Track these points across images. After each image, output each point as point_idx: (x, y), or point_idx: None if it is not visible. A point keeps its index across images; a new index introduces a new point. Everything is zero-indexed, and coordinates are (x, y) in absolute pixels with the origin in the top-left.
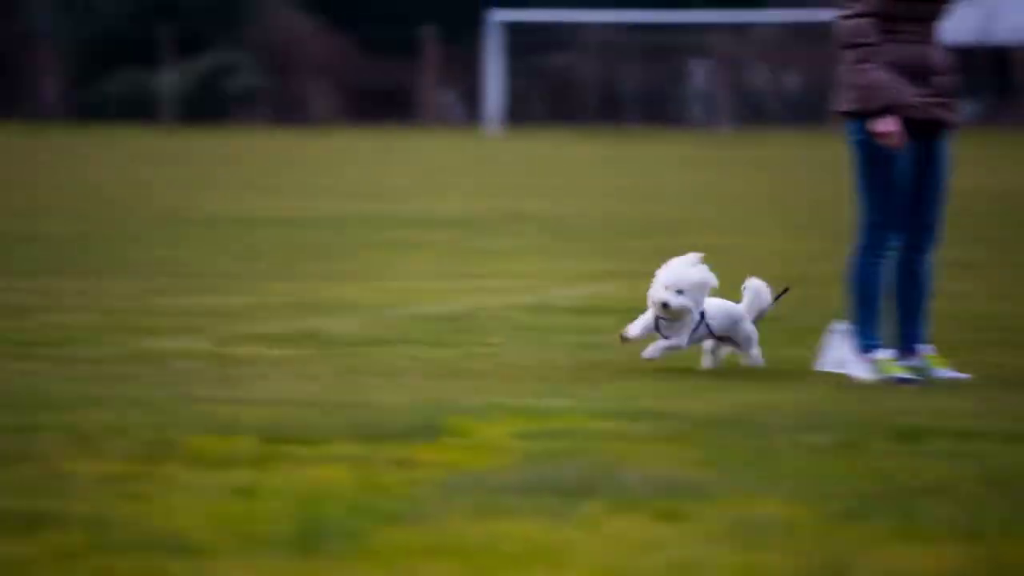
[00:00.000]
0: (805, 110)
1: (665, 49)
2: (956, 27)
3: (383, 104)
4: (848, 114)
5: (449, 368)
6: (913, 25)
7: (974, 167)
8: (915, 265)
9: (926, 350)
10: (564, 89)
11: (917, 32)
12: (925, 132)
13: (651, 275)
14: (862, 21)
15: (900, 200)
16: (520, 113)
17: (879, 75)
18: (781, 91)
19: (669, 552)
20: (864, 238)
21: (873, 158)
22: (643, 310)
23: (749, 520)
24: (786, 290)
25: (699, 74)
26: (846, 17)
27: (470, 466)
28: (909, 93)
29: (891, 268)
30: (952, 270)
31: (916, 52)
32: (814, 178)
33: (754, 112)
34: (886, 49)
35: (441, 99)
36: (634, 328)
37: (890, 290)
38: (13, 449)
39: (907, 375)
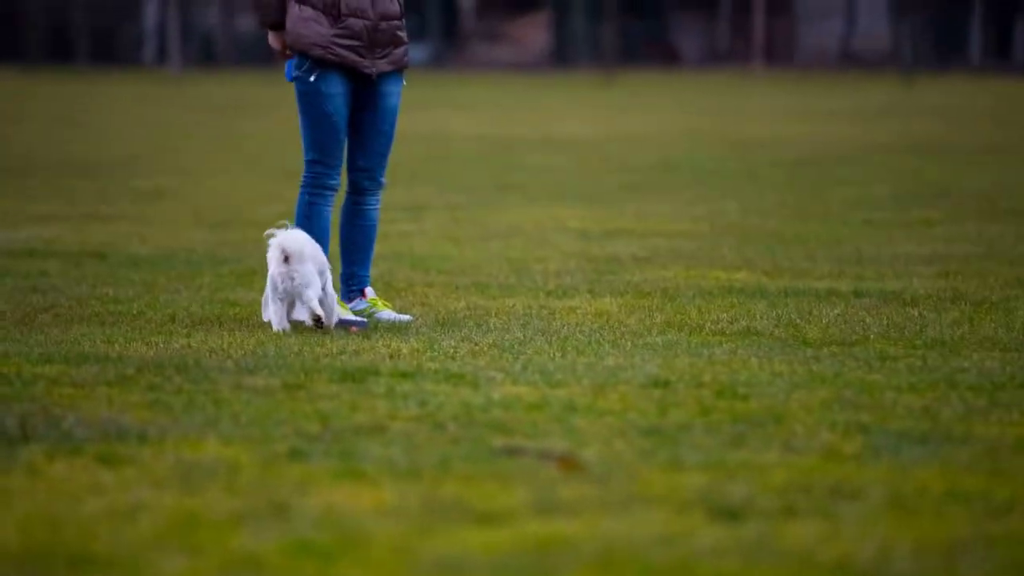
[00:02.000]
0: (259, 51)
1: None
2: None
3: None
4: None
5: None
6: None
7: (425, 111)
8: (359, 206)
9: (370, 292)
10: (8, 25)
11: None
12: (358, 75)
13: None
14: None
15: (335, 139)
16: None
17: (295, 12)
18: (233, 32)
19: (111, 497)
20: (305, 176)
21: (307, 96)
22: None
23: (191, 463)
24: None
25: (151, 12)
26: None
27: None
28: (318, 34)
29: (339, 209)
30: (397, 212)
31: None
32: (268, 118)
33: (205, 52)
34: None
35: None
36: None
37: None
38: None
39: (352, 317)
